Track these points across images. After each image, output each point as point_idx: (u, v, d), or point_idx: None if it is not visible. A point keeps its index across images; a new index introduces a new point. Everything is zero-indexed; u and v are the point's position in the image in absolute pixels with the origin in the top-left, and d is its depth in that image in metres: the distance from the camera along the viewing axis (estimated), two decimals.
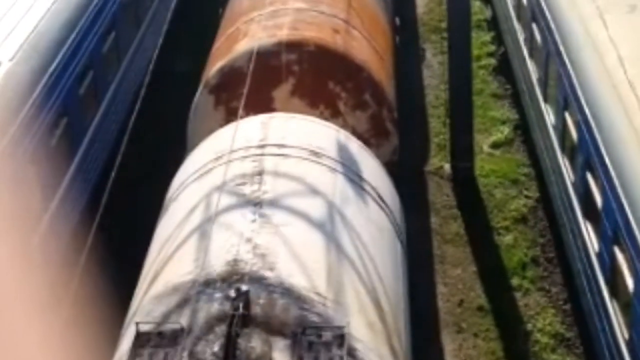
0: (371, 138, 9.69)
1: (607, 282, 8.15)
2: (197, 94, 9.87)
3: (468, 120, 12.66)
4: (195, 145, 9.00)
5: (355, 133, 9.35)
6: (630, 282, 7.40)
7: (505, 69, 14.88)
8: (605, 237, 8.15)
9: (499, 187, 12.53)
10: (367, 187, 7.93)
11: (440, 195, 12.50)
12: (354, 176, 7.91)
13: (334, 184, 7.65)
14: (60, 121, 10.31)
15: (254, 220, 6.88)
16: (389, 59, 11.02)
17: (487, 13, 16.88)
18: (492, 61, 15.52)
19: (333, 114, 9.66)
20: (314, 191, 7.45)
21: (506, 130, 13.75)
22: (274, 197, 7.18)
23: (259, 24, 10.23)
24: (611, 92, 8.44)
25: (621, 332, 7.73)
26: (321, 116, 9.43)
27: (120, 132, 11.79)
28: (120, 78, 12.74)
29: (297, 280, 6.35)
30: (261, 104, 9.42)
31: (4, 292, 7.22)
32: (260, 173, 7.46)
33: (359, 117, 9.71)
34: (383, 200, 7.99)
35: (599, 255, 8.43)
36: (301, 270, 6.48)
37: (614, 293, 8.00)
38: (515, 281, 10.91)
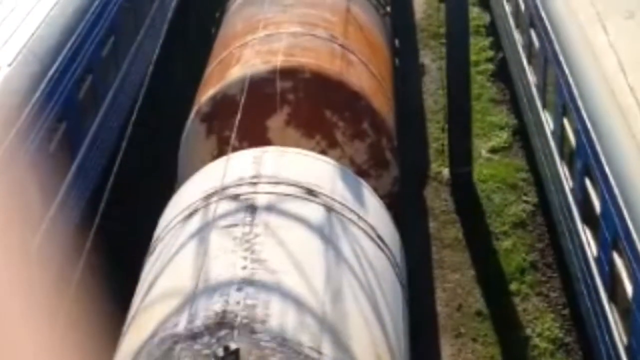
0: (370, 169, 9.36)
1: (606, 288, 8.16)
2: (189, 122, 9.50)
3: (466, 125, 12.68)
4: (186, 176, 8.71)
5: (353, 164, 9.19)
6: (629, 288, 7.40)
7: (503, 74, 14.91)
8: (603, 243, 8.16)
9: (498, 192, 12.55)
10: (366, 227, 7.53)
11: (439, 200, 12.51)
12: (351, 215, 7.52)
13: (331, 225, 7.21)
14: (59, 126, 10.31)
15: (244, 267, 6.40)
16: (388, 84, 10.63)
17: (486, 19, 16.91)
18: (491, 66, 15.55)
19: (330, 144, 9.30)
20: (309, 234, 7.02)
21: (505, 135, 13.77)
22: (267, 241, 6.72)
23: (252, 48, 9.86)
24: (610, 98, 8.45)
25: (620, 338, 7.73)
26: (318, 146, 9.20)
27: (119, 137, 11.79)
28: (119, 82, 12.75)
29: (292, 334, 5.90)
30: (255, 134, 9.15)
31: (3, 295, 7.21)
32: (252, 214, 7.02)
33: (357, 147, 9.33)
34: (382, 240, 7.60)
35: (598, 261, 8.44)
36: (297, 322, 6.04)
37: (612, 298, 8.01)
38: (514, 286, 10.92)
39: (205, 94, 9.55)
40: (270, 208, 7.16)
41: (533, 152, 12.23)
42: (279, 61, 9.40)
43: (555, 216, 10.63)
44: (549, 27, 10.70)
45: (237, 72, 9.47)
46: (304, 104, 9.29)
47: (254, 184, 7.47)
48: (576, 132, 9.23)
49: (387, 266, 7.38)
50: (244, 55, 9.81)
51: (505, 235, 11.74)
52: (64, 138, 10.42)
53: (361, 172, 9.07)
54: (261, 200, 7.25)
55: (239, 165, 7.83)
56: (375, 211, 7.97)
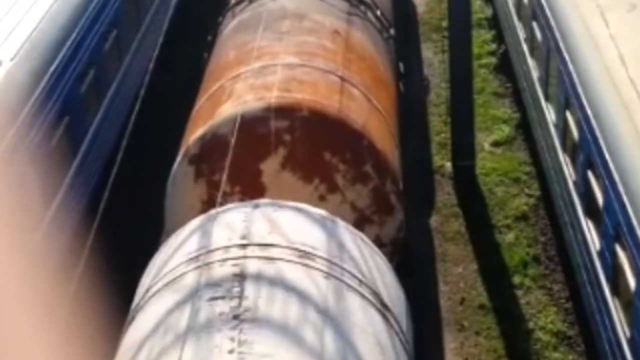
0: (373, 215, 8.67)
1: (609, 280, 8.15)
2: (176, 164, 8.77)
3: (469, 118, 12.66)
4: (173, 223, 8.28)
5: (355, 209, 8.62)
6: (631, 280, 7.40)
7: (506, 67, 14.88)
8: (606, 235, 8.15)
9: (500, 185, 12.53)
10: (368, 294, 6.88)
11: (442, 193, 12.50)
12: (352, 281, 6.86)
13: (330, 295, 6.54)
14: (61, 121, 10.31)
15: (231, 351, 5.77)
16: (392, 119, 9.81)
17: (488, 11, 16.87)
18: (493, 60, 15.52)
19: (329, 189, 8.61)
20: (306, 308, 6.32)
21: (507, 128, 13.75)
22: (257, 318, 6.06)
23: (245, 82, 9.04)
24: (612, 91, 8.44)
25: (623, 331, 7.73)
26: (316, 191, 8.56)
27: (122, 132, 11.79)
28: (121, 77, 12.74)
29: None
30: (247, 178, 8.52)
31: (4, 292, 7.22)
32: (241, 283, 6.34)
33: (359, 191, 8.63)
34: (386, 307, 6.97)
35: (600, 254, 8.43)
36: None
37: (615, 291, 8.00)
38: (516, 279, 10.92)
39: (194, 133, 8.82)
40: (261, 277, 6.46)
41: (535, 146, 12.21)
42: (273, 97, 8.66)
43: (557, 209, 10.62)
44: (551, 20, 10.68)
45: (228, 110, 8.71)
46: (300, 145, 8.56)
47: (244, 246, 6.75)
48: (578, 125, 9.22)
49: (391, 335, 6.78)
50: (236, 89, 9.04)
51: (507, 228, 11.73)
52: (66, 133, 10.42)
53: (363, 219, 8.55)
54: (251, 266, 6.55)
55: (228, 223, 7.08)
56: (379, 272, 7.27)
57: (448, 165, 12.95)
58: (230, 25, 10.96)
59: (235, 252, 6.70)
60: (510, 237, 11.56)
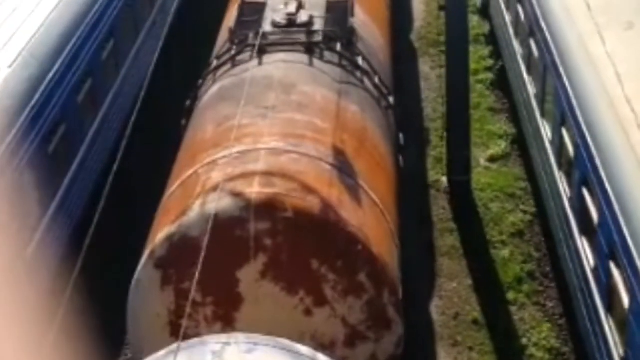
0: (368, 331, 7.57)
1: (603, 298, 8.15)
2: (140, 265, 7.65)
3: (465, 133, 12.69)
4: (137, 335, 7.60)
5: (346, 325, 7.55)
6: (625, 298, 7.40)
7: (502, 83, 14.92)
8: (601, 253, 8.16)
9: (496, 201, 12.55)
10: None
11: (437, 208, 12.51)
12: None
13: None
14: (58, 128, 10.31)
15: None
16: (392, 210, 8.59)
17: (485, 27, 16.94)
18: (490, 75, 15.57)
19: (317, 302, 7.50)
20: None
21: (503, 144, 13.78)
22: None
23: (222, 170, 7.84)
24: (608, 109, 8.47)
25: (616, 348, 7.73)
26: (301, 304, 7.47)
27: (118, 140, 11.79)
28: (119, 86, 12.75)
29: None
30: (222, 288, 7.47)
31: None
32: None
33: (351, 304, 7.50)
34: None
35: (595, 271, 8.44)
36: None
37: (609, 309, 8.01)
38: (511, 295, 10.91)
39: (162, 231, 7.68)
40: None
41: (531, 162, 12.24)
42: (253, 193, 7.49)
43: (552, 226, 10.63)
44: (548, 37, 10.72)
45: (200, 206, 7.55)
46: (284, 251, 7.44)
47: None
48: (574, 142, 9.24)
49: None
50: (211, 179, 7.84)
51: (502, 244, 11.74)
52: (63, 141, 10.42)
53: (357, 335, 7.54)
54: None
55: None
56: None
57: (444, 180, 12.96)
58: (210, 92, 9.68)
59: None
60: (505, 253, 11.56)
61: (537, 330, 10.39)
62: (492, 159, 13.49)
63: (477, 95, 14.80)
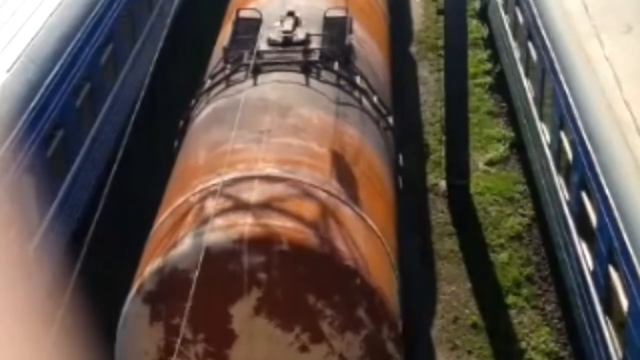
0: None
1: (602, 301, 8.15)
2: (129, 300, 7.35)
3: (464, 137, 12.69)
4: None
5: None
6: (624, 302, 7.39)
7: (501, 86, 14.94)
8: (599, 256, 8.16)
9: (494, 204, 12.55)
10: None
11: (436, 212, 12.51)
12: None
13: None
14: (56, 133, 10.31)
15: None
16: (391, 239, 8.32)
17: (484, 31, 16.96)
18: (489, 79, 15.59)
19: (314, 338, 7.23)
20: None
21: (502, 148, 13.79)
22: None
23: (214, 199, 7.48)
24: (607, 112, 8.47)
25: (615, 351, 7.72)
26: (297, 341, 7.23)
27: (117, 143, 11.79)
28: (117, 90, 12.76)
29: None
30: (214, 324, 7.20)
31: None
32: None
33: (349, 340, 7.24)
34: None
35: (594, 274, 8.43)
36: None
37: (608, 312, 8.00)
38: (509, 299, 10.91)
39: (151, 263, 7.39)
40: None
41: (530, 165, 12.24)
42: (247, 225, 7.20)
43: (551, 229, 10.63)
44: (546, 40, 10.73)
45: (191, 238, 7.26)
46: (279, 286, 7.17)
47: None
48: (573, 145, 9.24)
49: None
50: (203, 209, 7.55)
51: (501, 247, 11.74)
52: (61, 145, 10.42)
53: None
54: None
55: None
56: None
57: (442, 183, 12.96)
58: (203, 113, 9.37)
59: None
60: (503, 256, 11.56)
61: (536, 333, 10.38)
62: (490, 163, 13.50)
63: (475, 99, 14.81)
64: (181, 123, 9.95)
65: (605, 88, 8.73)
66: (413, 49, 16.91)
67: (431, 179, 13.15)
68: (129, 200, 11.44)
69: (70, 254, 9.52)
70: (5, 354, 6.80)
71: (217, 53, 10.68)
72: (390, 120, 9.89)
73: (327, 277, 7.21)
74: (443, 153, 13.12)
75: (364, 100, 9.58)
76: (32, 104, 9.73)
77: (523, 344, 10.26)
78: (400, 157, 9.99)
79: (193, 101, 10.01)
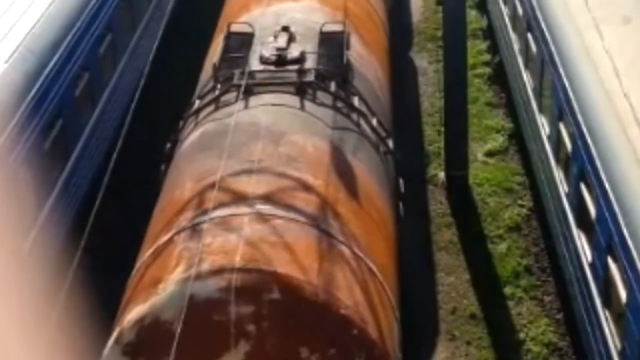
0: None
1: (600, 292, 8.17)
2: (106, 349, 6.80)
3: (463, 128, 12.68)
4: None
5: None
6: (622, 293, 7.41)
7: (500, 77, 14.93)
8: (598, 248, 8.17)
9: (493, 195, 12.56)
10: None
11: (435, 203, 12.52)
12: None
13: None
14: (55, 123, 10.31)
15: None
16: (391, 277, 7.76)
17: (483, 22, 16.93)
18: (488, 70, 15.57)
19: None
20: None
21: (501, 139, 13.78)
22: None
23: (199, 240, 7.00)
24: (606, 103, 8.47)
25: (614, 342, 7.74)
26: None
27: (116, 135, 11.79)
28: (116, 81, 12.74)
29: None
30: None
31: None
32: None
33: None
34: None
35: (592, 266, 8.45)
36: None
37: (606, 303, 8.02)
38: (508, 290, 10.93)
39: (131, 310, 6.84)
40: None
41: (529, 156, 12.25)
42: (235, 271, 6.66)
43: (550, 220, 10.64)
44: (546, 32, 10.71)
45: (175, 284, 6.73)
46: (269, 338, 6.64)
47: None
48: (572, 137, 9.24)
49: None
50: (187, 250, 7.03)
51: (500, 238, 11.75)
52: (60, 136, 10.41)
53: None
54: None
55: None
56: None
57: (441, 174, 12.96)
58: (191, 138, 8.81)
59: None
60: (502, 247, 11.57)
61: (534, 324, 10.40)
62: (489, 154, 13.50)
63: (474, 90, 14.79)
64: (168, 146, 9.39)
65: (604, 79, 8.72)
66: (415, 62, 16.88)
67: (430, 170, 13.15)
68: (129, 190, 11.44)
69: (69, 244, 9.53)
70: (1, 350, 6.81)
71: (207, 70, 10.06)
72: (390, 143, 9.38)
73: (322, 328, 6.67)
74: (442, 144, 13.12)
75: (362, 123, 9.03)
76: (31, 94, 9.71)
77: (521, 335, 10.28)
78: (401, 182, 9.50)
79: (181, 123, 9.44)
